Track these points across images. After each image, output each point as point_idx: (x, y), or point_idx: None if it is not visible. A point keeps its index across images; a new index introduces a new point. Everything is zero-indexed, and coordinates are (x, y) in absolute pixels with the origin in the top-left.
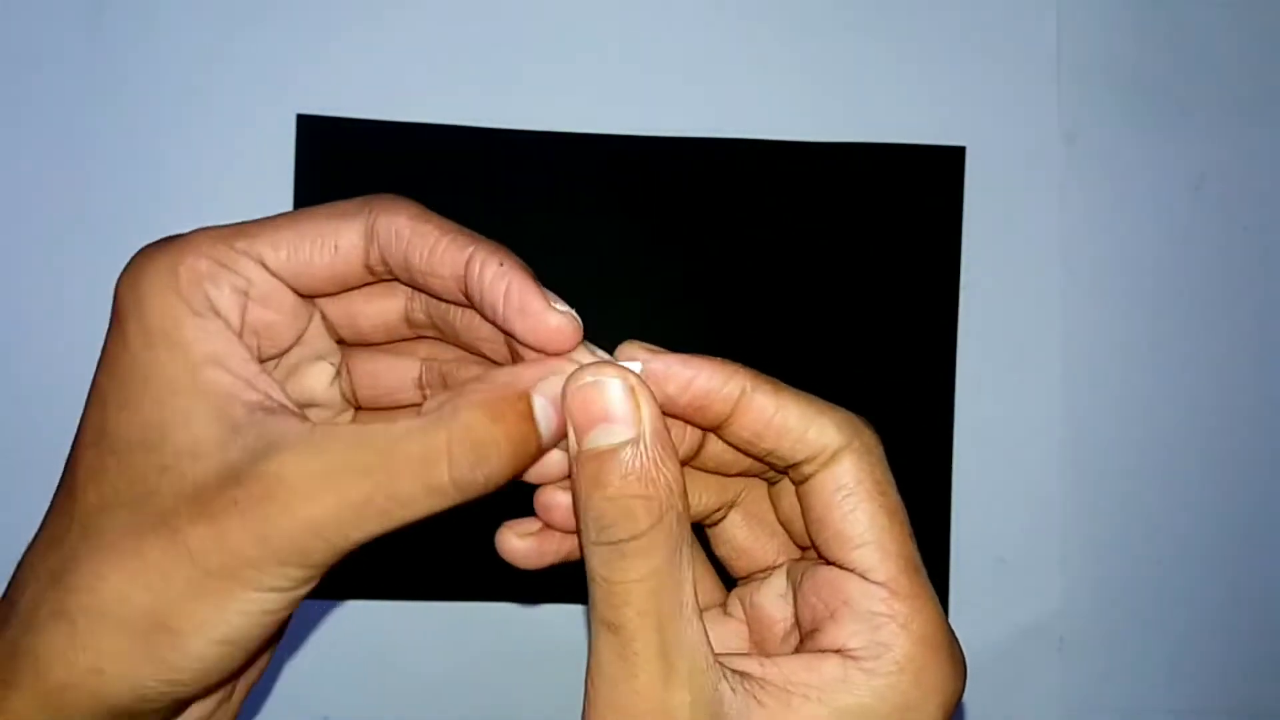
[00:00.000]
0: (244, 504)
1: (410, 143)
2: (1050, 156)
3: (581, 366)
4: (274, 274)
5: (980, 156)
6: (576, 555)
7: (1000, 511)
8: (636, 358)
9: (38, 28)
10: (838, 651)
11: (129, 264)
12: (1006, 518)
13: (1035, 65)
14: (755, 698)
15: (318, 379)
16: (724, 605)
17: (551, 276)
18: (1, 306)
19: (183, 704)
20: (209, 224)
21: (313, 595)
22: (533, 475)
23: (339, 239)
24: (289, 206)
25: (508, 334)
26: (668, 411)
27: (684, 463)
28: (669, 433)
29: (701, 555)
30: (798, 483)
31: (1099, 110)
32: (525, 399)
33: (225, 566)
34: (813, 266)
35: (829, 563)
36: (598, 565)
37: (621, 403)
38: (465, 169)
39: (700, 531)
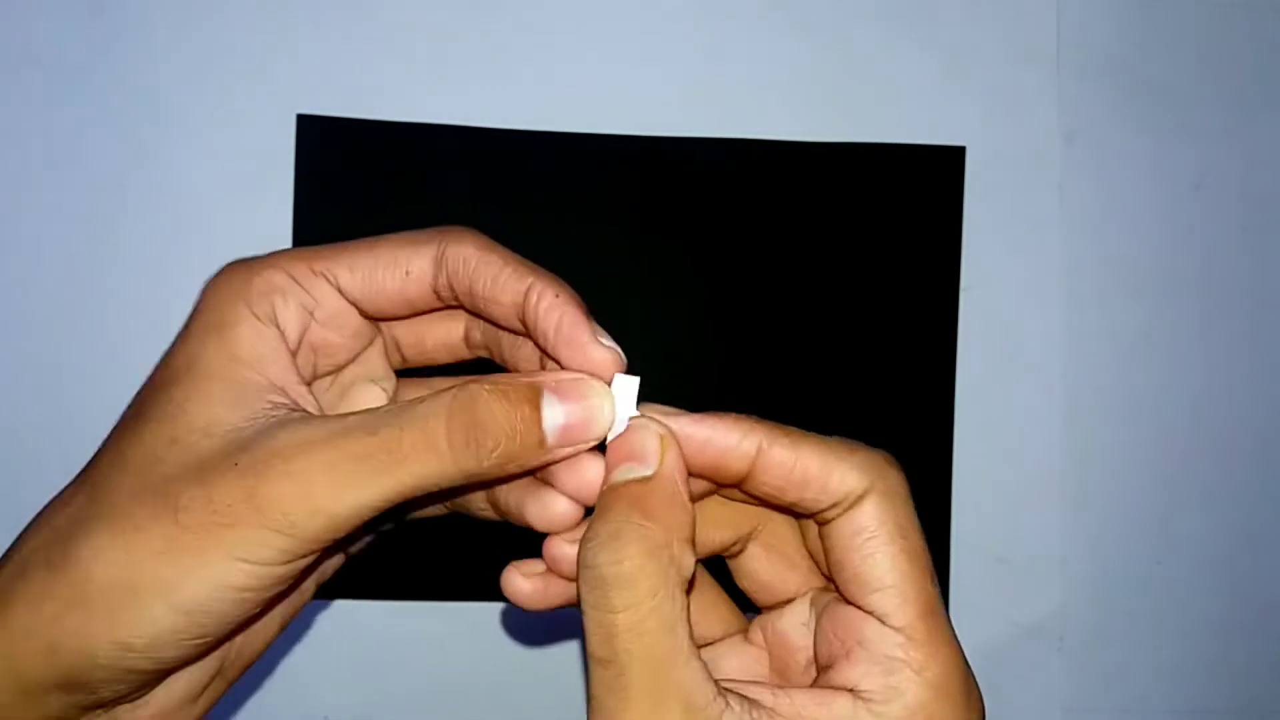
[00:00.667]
0: (243, 465)
1: (410, 143)
2: (1050, 156)
3: (634, 416)
4: (345, 295)
5: (980, 156)
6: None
7: (1000, 511)
8: (653, 418)
9: (37, 27)
10: (850, 690)
11: (217, 271)
12: (1006, 518)
13: (1035, 65)
14: None
15: (371, 402)
16: (745, 633)
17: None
18: (1, 306)
19: (144, 682)
20: (209, 222)
21: (313, 596)
22: (541, 520)
23: (411, 264)
24: (289, 206)
25: (555, 361)
26: (691, 471)
27: (708, 494)
28: (686, 484)
29: (714, 584)
30: (821, 524)
31: (1099, 110)
32: (535, 389)
33: (205, 524)
34: (813, 266)
35: (849, 602)
36: (583, 591)
37: (645, 445)
38: (465, 169)
39: (723, 563)
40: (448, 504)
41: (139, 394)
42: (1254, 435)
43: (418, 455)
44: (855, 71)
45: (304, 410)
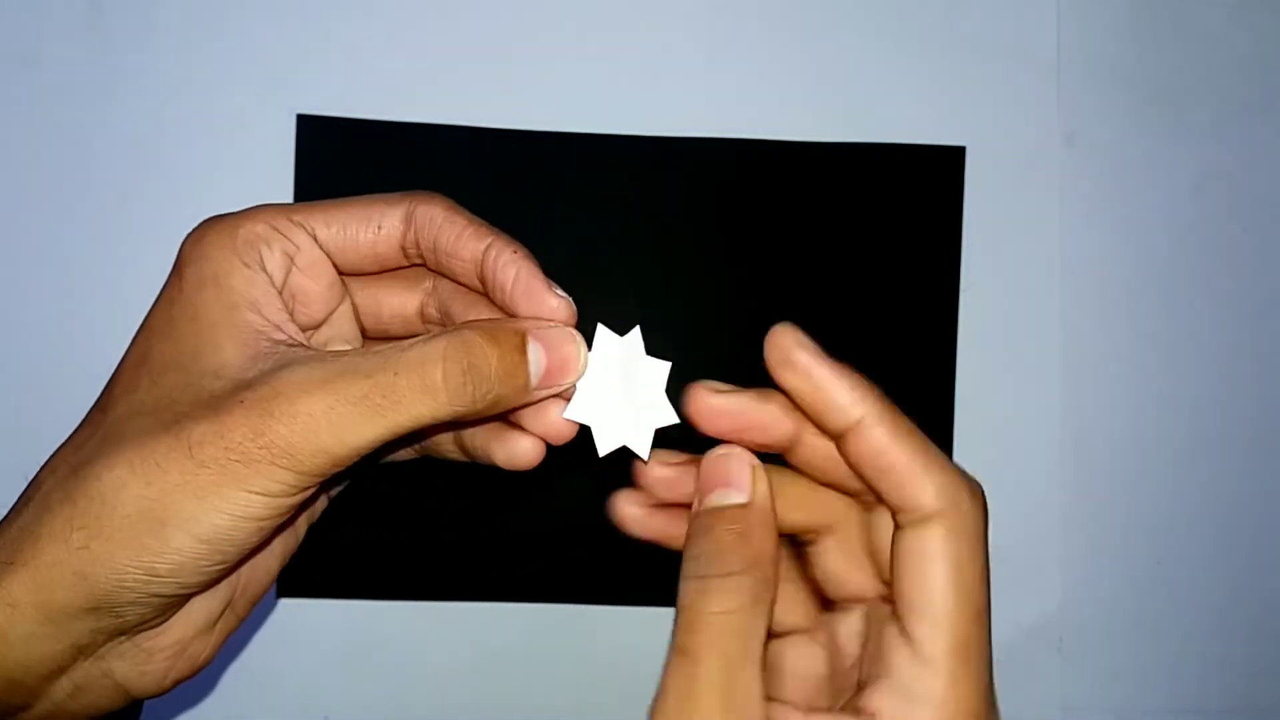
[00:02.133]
0: (249, 403)
1: (410, 143)
2: (1050, 156)
3: (720, 445)
4: (321, 246)
5: (980, 156)
6: (674, 543)
7: (1000, 511)
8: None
9: (37, 27)
10: (871, 715)
11: (196, 226)
12: (1006, 518)
13: (1035, 65)
14: None
15: None
16: (812, 631)
17: (550, 274)
18: (3, 304)
19: (167, 606)
20: None
21: (314, 595)
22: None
23: (383, 221)
24: None
25: (511, 314)
26: (796, 404)
27: (780, 451)
28: (775, 514)
29: (804, 577)
30: (895, 527)
31: (1099, 110)
32: (521, 334)
33: (218, 460)
34: (813, 266)
35: (896, 616)
36: (683, 596)
37: (742, 473)
38: (465, 169)
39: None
40: (417, 448)
41: (139, 343)
42: (1254, 435)
43: (413, 397)
44: (855, 71)
45: (303, 345)
